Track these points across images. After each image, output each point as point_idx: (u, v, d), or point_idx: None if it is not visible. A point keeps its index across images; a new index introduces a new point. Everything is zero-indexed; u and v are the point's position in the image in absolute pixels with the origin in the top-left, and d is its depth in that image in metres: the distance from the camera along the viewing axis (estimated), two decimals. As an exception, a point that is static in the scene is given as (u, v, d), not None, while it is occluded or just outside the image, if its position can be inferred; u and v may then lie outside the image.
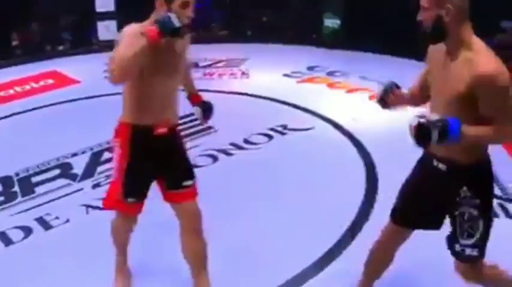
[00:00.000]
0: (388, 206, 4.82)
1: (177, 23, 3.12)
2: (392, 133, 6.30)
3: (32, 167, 5.77)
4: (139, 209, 3.64)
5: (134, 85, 3.40)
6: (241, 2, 11.40)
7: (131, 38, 3.24)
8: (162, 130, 3.47)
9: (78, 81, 8.49)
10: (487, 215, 3.10)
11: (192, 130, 6.47)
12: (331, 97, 7.54)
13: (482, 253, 3.14)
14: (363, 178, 5.39)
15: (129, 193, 3.52)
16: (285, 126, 6.47)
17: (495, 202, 4.68)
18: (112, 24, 10.22)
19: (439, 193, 3.17)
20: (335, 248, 4.34)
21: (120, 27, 8.88)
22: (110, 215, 3.81)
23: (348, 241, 4.42)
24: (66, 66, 9.19)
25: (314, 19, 10.29)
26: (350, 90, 7.73)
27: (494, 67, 2.78)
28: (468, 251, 3.13)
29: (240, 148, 6.08)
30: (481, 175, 3.11)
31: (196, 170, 5.48)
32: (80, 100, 7.67)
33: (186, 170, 3.65)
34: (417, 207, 3.32)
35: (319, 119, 6.71)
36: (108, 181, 5.32)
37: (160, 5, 3.31)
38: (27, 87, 8.38)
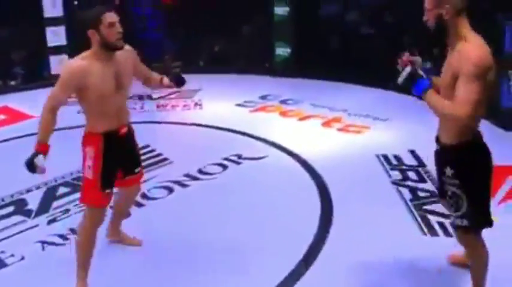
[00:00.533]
0: (343, 230, 4.94)
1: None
2: (344, 159, 6.45)
3: (-15, 205, 5.71)
4: (111, 198, 4.35)
5: (94, 105, 4.14)
6: (193, 33, 11.49)
7: (66, 84, 4.08)
8: (123, 130, 4.33)
9: (30, 116, 8.43)
10: (471, 194, 3.51)
11: (147, 162, 6.47)
12: (284, 125, 7.64)
13: (473, 224, 3.59)
14: (317, 204, 5.46)
15: (106, 185, 4.19)
16: (239, 156, 6.52)
17: (447, 221, 4.86)
18: (64, 58, 10.21)
19: (437, 171, 3.74)
20: (290, 277, 4.36)
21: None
22: (65, 250, 3.81)
23: (302, 271, 4.44)
24: (18, 101, 9.13)
25: (266, 48, 10.42)
26: (302, 118, 7.85)
27: (477, 54, 3.26)
28: (458, 221, 3.62)
29: (195, 178, 6.10)
30: (462, 157, 3.49)
31: (152, 203, 5.57)
32: (32, 135, 7.57)
33: (137, 160, 4.58)
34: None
35: (273, 148, 6.78)
36: (64, 215, 5.37)
37: (92, 34, 4.00)
38: (-21, 123, 8.30)
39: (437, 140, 3.72)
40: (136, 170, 4.50)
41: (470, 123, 3.43)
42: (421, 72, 3.48)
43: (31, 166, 4.18)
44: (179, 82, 4.68)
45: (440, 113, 3.44)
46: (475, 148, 3.53)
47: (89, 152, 4.25)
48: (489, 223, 3.69)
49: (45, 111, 4.23)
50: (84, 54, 4.05)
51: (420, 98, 3.47)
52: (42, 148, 4.20)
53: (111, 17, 4.01)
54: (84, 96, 4.11)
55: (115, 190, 4.41)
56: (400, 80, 3.55)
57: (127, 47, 4.26)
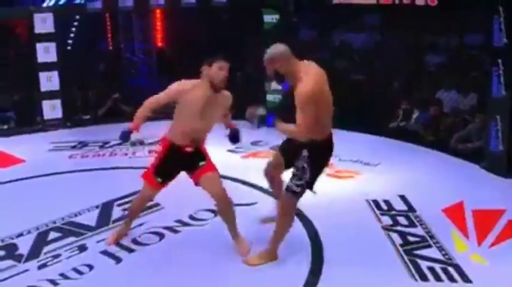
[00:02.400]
0: (334, 276, 4.95)
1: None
2: (335, 204, 6.47)
3: (-25, 249, 5.70)
4: (159, 188, 5.44)
5: (179, 119, 5.19)
6: (186, 78, 11.60)
7: (167, 95, 5.18)
8: (189, 149, 5.26)
9: (22, 161, 8.46)
10: (312, 171, 4.95)
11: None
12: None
13: (301, 193, 5.04)
14: (308, 250, 5.48)
15: (158, 175, 5.32)
16: (230, 202, 6.55)
17: (438, 266, 4.97)
18: (57, 103, 10.28)
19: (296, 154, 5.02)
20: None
21: (65, 106, 8.87)
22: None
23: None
24: (10, 145, 9.15)
25: (258, 95, 10.51)
26: (293, 164, 7.87)
27: (302, 88, 4.69)
28: (294, 187, 4.99)
29: (186, 224, 6.12)
30: (312, 148, 4.90)
31: (142, 249, 5.57)
32: (24, 179, 7.63)
33: (199, 162, 5.31)
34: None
35: (264, 194, 6.79)
36: (55, 260, 5.36)
37: (204, 69, 5.09)
38: (-29, 167, 8.31)
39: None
40: (201, 163, 5.30)
41: (309, 136, 4.80)
42: (264, 113, 5.37)
43: (125, 138, 5.50)
44: (234, 139, 5.67)
45: (289, 134, 5.09)
46: (320, 144, 4.99)
47: (158, 149, 5.52)
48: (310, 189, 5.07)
49: (146, 106, 5.33)
50: (195, 81, 5.14)
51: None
52: (134, 127, 5.41)
53: (224, 63, 5.07)
54: (177, 109, 5.16)
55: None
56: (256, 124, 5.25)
57: (226, 93, 5.26)
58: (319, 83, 4.82)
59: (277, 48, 4.89)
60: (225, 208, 5.39)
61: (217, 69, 5.06)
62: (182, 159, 5.27)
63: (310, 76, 4.77)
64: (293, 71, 4.82)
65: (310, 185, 5.04)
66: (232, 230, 5.48)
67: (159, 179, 5.36)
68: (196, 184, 5.37)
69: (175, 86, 5.15)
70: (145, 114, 5.36)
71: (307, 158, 4.94)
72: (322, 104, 4.83)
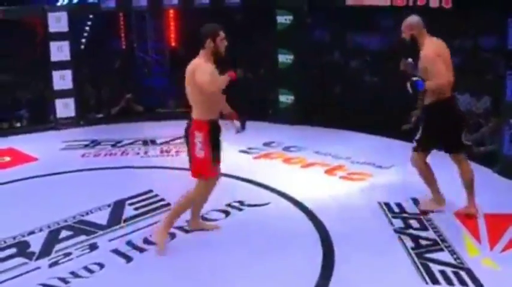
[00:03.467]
0: (345, 278, 4.94)
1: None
2: (347, 206, 6.45)
3: (-13, 246, 5.72)
4: (217, 173, 5.67)
5: (207, 99, 5.37)
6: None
7: (213, 72, 5.33)
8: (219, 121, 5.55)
9: (35, 159, 8.49)
10: (426, 129, 5.93)
11: (149, 207, 6.51)
12: (287, 172, 7.66)
13: (418, 147, 6.02)
14: (319, 252, 5.46)
15: (213, 160, 5.47)
16: (242, 202, 6.54)
17: (449, 270, 4.97)
18: (70, 101, 10.30)
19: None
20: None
21: (78, 105, 8.91)
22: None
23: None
24: (23, 143, 9.20)
25: (269, 95, 10.51)
26: (305, 165, 7.87)
27: (428, 51, 5.74)
28: (414, 144, 6.05)
29: (197, 224, 6.11)
30: (433, 109, 5.87)
31: (153, 248, 5.58)
32: (36, 177, 7.66)
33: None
34: None
35: (276, 195, 6.80)
36: (66, 259, 5.37)
37: (209, 43, 5.38)
38: (-16, 164, 8.36)
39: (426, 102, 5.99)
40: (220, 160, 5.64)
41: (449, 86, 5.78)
42: (414, 78, 5.75)
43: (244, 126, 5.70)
44: (243, 126, 5.76)
45: (435, 88, 5.73)
46: (439, 106, 5.84)
47: (198, 136, 5.39)
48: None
49: (214, 81, 5.30)
50: (201, 59, 5.39)
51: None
52: (231, 75, 5.40)
53: (223, 33, 5.41)
54: (201, 89, 5.28)
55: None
56: (410, 90, 5.73)
57: None
58: (439, 47, 5.85)
59: (415, 18, 5.88)
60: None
61: (221, 41, 5.42)
62: (219, 133, 5.56)
63: (431, 43, 5.83)
64: (423, 38, 5.83)
65: (422, 143, 5.97)
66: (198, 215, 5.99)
67: (216, 164, 5.60)
68: None
69: (202, 64, 5.34)
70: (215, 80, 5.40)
71: (423, 120, 6.00)
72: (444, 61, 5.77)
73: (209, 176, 5.55)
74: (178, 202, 5.65)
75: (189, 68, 5.43)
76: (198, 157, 5.45)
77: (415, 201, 6.48)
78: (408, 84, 5.70)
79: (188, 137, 5.50)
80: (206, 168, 5.48)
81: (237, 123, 5.73)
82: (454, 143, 5.99)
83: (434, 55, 5.69)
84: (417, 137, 6.01)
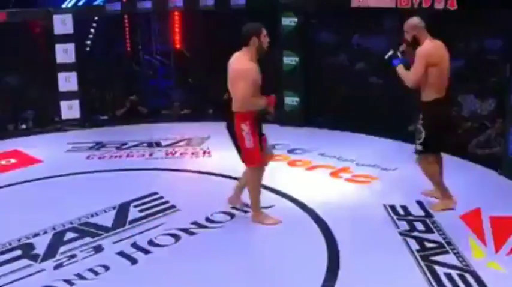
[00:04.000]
0: (350, 281, 4.94)
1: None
2: (352, 209, 6.44)
3: (-8, 248, 5.73)
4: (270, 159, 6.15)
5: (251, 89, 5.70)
6: (202, 81, 11.61)
7: (253, 80, 5.67)
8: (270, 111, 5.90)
9: (40, 161, 8.50)
10: (428, 131, 5.99)
11: (154, 209, 6.51)
12: (292, 175, 7.65)
13: (426, 150, 6.08)
14: (324, 254, 5.46)
15: (262, 149, 5.85)
16: (246, 205, 6.53)
17: (455, 272, 4.96)
18: (75, 103, 10.31)
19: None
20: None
21: (83, 106, 8.95)
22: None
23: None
24: (28, 145, 9.21)
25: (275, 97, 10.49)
26: (310, 168, 7.86)
27: (422, 49, 5.93)
28: (418, 147, 6.11)
29: (202, 226, 6.11)
30: (428, 110, 6.02)
31: (158, 250, 5.58)
32: (41, 179, 7.67)
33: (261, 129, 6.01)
34: None
35: (281, 197, 6.79)
36: (71, 260, 5.38)
37: (253, 40, 5.64)
38: (-11, 166, 8.37)
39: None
40: (264, 132, 6.03)
41: (414, 85, 6.00)
42: (398, 54, 6.11)
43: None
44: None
45: (402, 76, 6.03)
46: (438, 106, 6.00)
47: (244, 128, 5.69)
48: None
49: (249, 101, 5.67)
50: (248, 58, 5.70)
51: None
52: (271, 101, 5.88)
53: (265, 30, 5.71)
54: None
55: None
56: (386, 56, 6.15)
57: None
58: (436, 49, 6.00)
59: (417, 19, 6.08)
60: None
61: (264, 37, 5.73)
62: (261, 123, 5.92)
63: (430, 42, 5.99)
64: (423, 38, 5.99)
65: (430, 142, 6.04)
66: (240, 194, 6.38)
67: (262, 152, 5.92)
68: None
69: (253, 71, 5.68)
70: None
71: (421, 119, 6.04)
72: (436, 68, 5.93)
73: (261, 163, 5.93)
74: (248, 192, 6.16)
75: (235, 65, 5.76)
76: (248, 147, 5.79)
77: (420, 203, 6.46)
78: (389, 53, 6.14)
79: (234, 130, 5.82)
80: (257, 156, 5.85)
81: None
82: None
83: (424, 55, 5.90)
84: (421, 139, 6.09)
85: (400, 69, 6.06)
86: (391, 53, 6.12)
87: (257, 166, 5.96)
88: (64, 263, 5.42)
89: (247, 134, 5.74)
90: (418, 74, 5.90)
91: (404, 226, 5.99)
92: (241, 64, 5.70)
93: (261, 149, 5.87)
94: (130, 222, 6.25)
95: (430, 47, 5.97)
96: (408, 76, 5.99)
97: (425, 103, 6.07)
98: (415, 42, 6.03)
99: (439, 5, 8.12)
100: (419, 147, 6.12)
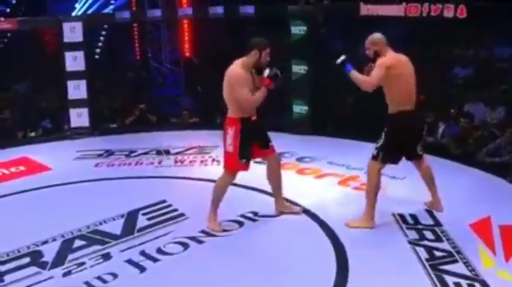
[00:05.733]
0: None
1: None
2: (359, 216, 6.40)
3: (1, 255, 5.73)
4: (248, 168, 6.09)
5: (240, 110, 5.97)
6: (211, 89, 11.62)
7: (246, 83, 5.88)
8: (254, 118, 6.05)
9: (49, 168, 8.52)
10: (386, 141, 6.04)
11: (162, 218, 6.51)
12: (300, 183, 7.64)
13: (377, 156, 6.09)
14: (333, 263, 5.44)
15: (242, 157, 5.97)
16: (255, 213, 6.53)
17: (464, 282, 4.94)
18: (84, 111, 10.34)
19: None
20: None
21: (92, 114, 8.95)
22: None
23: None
24: (37, 153, 9.23)
25: (283, 106, 10.49)
26: (319, 176, 7.85)
27: (382, 59, 5.91)
28: (374, 151, 6.13)
29: (210, 235, 6.09)
30: (391, 122, 6.07)
31: (166, 258, 5.58)
32: (50, 187, 7.69)
33: (268, 139, 6.25)
34: None
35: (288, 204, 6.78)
36: (80, 268, 5.39)
37: (255, 53, 5.90)
38: (-2, 174, 8.40)
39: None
40: (270, 144, 6.24)
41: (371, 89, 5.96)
42: (348, 61, 5.99)
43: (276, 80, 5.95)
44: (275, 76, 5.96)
45: (356, 82, 5.98)
46: (398, 119, 6.04)
47: (230, 131, 5.93)
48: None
49: (251, 101, 5.94)
50: (240, 63, 5.94)
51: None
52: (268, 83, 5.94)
53: (269, 50, 5.94)
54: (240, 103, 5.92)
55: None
56: (338, 61, 6.00)
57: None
58: (397, 62, 5.99)
59: (378, 35, 6.05)
60: (274, 177, 6.40)
61: (265, 55, 5.93)
62: (253, 131, 6.01)
63: (392, 56, 6.01)
64: (385, 53, 5.98)
65: (384, 151, 6.06)
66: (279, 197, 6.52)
67: (244, 161, 6.01)
68: (261, 157, 6.32)
69: (242, 76, 5.88)
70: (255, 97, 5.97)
71: (385, 127, 6.08)
72: (398, 80, 5.95)
73: (232, 170, 6.09)
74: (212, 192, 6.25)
75: (227, 72, 6.00)
76: (227, 150, 6.03)
77: (429, 212, 6.44)
78: (341, 58, 6.01)
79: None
80: (232, 162, 6.04)
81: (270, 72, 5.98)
82: (412, 153, 6.28)
83: (383, 62, 5.90)
84: (378, 144, 6.13)
85: (355, 73, 5.99)
86: (343, 57, 6.01)
87: (230, 171, 6.13)
88: (72, 271, 5.42)
89: (230, 138, 5.96)
90: (377, 77, 5.86)
91: (413, 235, 5.97)
92: (231, 71, 5.96)
93: (239, 158, 5.99)
94: (139, 230, 6.25)
95: (391, 58, 5.97)
96: (365, 79, 5.94)
97: (389, 115, 6.11)
98: (377, 56, 6.01)
99: (449, 13, 8.11)
100: (374, 151, 6.14)
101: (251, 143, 6.03)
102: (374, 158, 6.12)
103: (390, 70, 5.88)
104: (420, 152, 6.31)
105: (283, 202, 6.57)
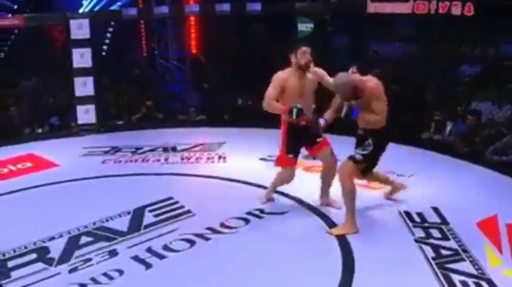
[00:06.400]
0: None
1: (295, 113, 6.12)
2: (367, 215, 6.41)
3: (8, 251, 5.74)
4: (295, 163, 6.55)
5: (286, 103, 6.24)
6: (217, 86, 11.63)
7: (275, 86, 6.28)
8: (302, 124, 6.26)
9: (56, 165, 8.54)
10: (373, 150, 5.96)
11: (169, 215, 6.51)
12: (307, 180, 7.61)
13: (360, 162, 5.99)
14: (339, 261, 5.43)
15: (289, 151, 6.41)
16: (261, 210, 6.52)
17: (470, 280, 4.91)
18: (91, 108, 10.36)
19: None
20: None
21: (99, 111, 8.99)
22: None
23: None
24: (44, 149, 9.25)
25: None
26: (326, 174, 7.83)
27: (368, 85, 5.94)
28: (357, 156, 5.98)
29: (216, 232, 6.10)
30: (376, 136, 5.95)
31: (173, 255, 5.58)
32: (58, 183, 7.70)
33: (316, 136, 6.46)
34: None
35: (295, 203, 6.78)
36: (86, 265, 5.40)
37: (292, 58, 6.34)
38: (5, 170, 8.41)
39: (361, 129, 6.14)
40: (318, 140, 6.46)
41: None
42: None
43: (299, 115, 6.13)
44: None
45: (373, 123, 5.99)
46: (380, 133, 5.98)
47: (280, 133, 6.44)
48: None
49: (268, 102, 6.26)
50: (288, 70, 6.36)
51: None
52: (287, 108, 6.18)
53: (305, 48, 6.36)
54: (284, 95, 6.29)
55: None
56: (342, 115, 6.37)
57: (313, 69, 6.41)
58: (378, 85, 6.02)
59: (343, 75, 6.12)
60: (330, 174, 6.53)
61: (301, 55, 6.29)
62: (300, 133, 6.33)
63: (370, 80, 6.02)
64: (361, 83, 5.96)
65: (367, 160, 6.03)
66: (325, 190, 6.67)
67: (291, 155, 6.43)
68: (314, 156, 6.66)
69: (278, 77, 6.33)
70: (275, 103, 6.30)
71: (372, 139, 5.97)
72: (381, 99, 6.01)
73: (282, 164, 6.55)
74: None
75: None
76: (278, 148, 6.53)
77: (436, 210, 6.43)
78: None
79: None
80: (281, 158, 6.52)
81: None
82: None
83: (372, 95, 5.96)
84: (364, 152, 6.02)
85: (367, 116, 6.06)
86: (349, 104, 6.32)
87: (282, 168, 6.57)
88: (79, 267, 5.43)
89: (279, 138, 6.46)
90: (380, 111, 6.01)
91: (419, 233, 5.96)
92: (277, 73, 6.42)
93: (286, 153, 6.43)
94: (145, 227, 6.25)
95: (373, 85, 5.97)
96: (377, 119, 6.01)
97: (374, 131, 6.03)
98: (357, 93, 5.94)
99: (456, 11, 8.09)
100: (359, 156, 6.01)
101: (297, 141, 6.43)
102: (355, 161, 6.01)
103: (377, 92, 5.99)
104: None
105: (328, 198, 6.68)
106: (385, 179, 6.75)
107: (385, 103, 6.05)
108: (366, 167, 6.16)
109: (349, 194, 6.00)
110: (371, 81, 5.99)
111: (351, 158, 6.04)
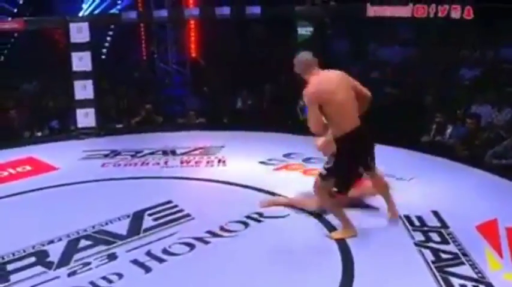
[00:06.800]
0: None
1: None
2: (367, 219, 6.40)
3: (7, 255, 5.74)
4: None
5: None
6: (217, 90, 11.64)
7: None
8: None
9: (55, 168, 8.53)
10: (337, 161, 5.63)
11: (168, 218, 6.51)
12: (306, 184, 7.59)
13: (326, 177, 5.70)
14: (339, 264, 5.42)
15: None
16: (261, 214, 6.51)
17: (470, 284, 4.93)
18: (91, 111, 10.36)
19: None
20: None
21: (99, 114, 8.96)
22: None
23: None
24: (43, 153, 9.25)
25: (289, 106, 10.49)
26: (325, 177, 7.82)
27: (306, 90, 5.53)
28: (322, 170, 5.74)
29: (216, 235, 6.09)
30: (337, 142, 5.60)
31: (172, 259, 5.57)
32: (56, 187, 7.69)
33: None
34: None
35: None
36: (85, 268, 5.39)
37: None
38: (5, 173, 8.40)
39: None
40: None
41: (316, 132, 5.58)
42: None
43: None
44: None
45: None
46: (346, 140, 5.57)
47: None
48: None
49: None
50: (313, 80, 5.62)
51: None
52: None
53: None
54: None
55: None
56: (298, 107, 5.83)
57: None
58: (323, 86, 5.56)
59: (301, 55, 5.72)
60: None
61: None
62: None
63: (315, 81, 5.58)
64: (309, 78, 5.63)
65: (336, 173, 5.69)
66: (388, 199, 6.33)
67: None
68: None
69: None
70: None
71: (336, 150, 5.63)
72: (330, 106, 5.53)
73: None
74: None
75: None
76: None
77: (436, 214, 6.42)
78: (301, 103, 6.06)
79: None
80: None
81: None
82: (364, 164, 6.00)
83: (309, 101, 5.60)
84: (328, 165, 5.76)
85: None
86: (301, 103, 5.83)
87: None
88: (78, 271, 5.42)
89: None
90: (312, 120, 5.56)
91: (419, 236, 5.95)
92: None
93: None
94: (145, 230, 6.25)
95: (314, 86, 5.56)
96: (310, 126, 5.59)
97: (335, 139, 5.66)
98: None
99: (455, 15, 8.10)
100: (323, 170, 5.79)
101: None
102: (321, 176, 5.81)
103: (319, 99, 5.52)
104: (372, 165, 6.07)
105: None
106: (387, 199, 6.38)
107: (341, 107, 5.59)
108: (339, 181, 5.78)
109: (330, 208, 6.04)
110: (312, 85, 5.59)
111: (319, 173, 5.86)
